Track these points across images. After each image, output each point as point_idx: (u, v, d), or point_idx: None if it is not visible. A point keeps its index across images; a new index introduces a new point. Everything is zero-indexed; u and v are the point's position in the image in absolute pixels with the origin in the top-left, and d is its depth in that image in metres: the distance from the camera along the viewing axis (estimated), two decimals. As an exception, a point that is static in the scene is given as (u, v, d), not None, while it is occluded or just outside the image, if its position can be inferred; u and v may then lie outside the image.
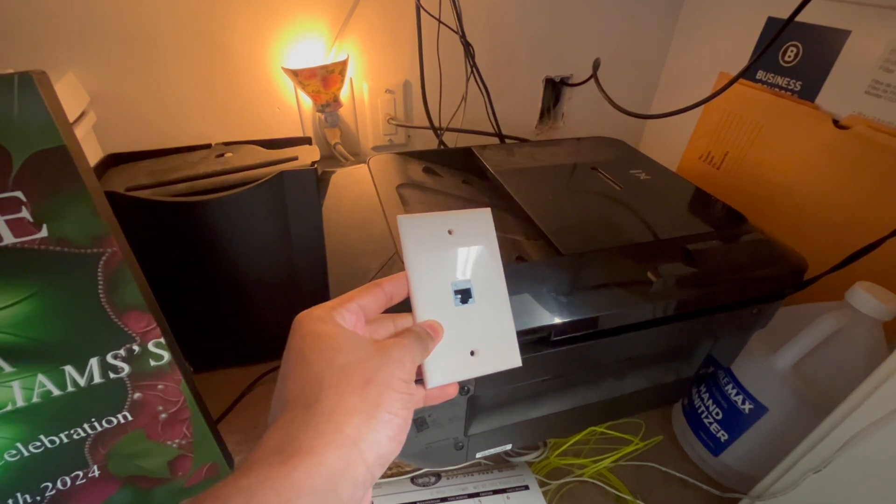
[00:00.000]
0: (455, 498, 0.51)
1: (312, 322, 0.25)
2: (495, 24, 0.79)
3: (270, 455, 0.21)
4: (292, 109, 0.77)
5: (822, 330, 0.45)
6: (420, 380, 0.28)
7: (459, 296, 0.29)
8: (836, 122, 0.59)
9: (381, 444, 0.23)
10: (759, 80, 0.71)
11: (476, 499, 0.51)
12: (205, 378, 0.64)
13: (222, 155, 0.59)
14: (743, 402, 0.50)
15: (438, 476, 0.54)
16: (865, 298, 0.44)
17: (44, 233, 0.30)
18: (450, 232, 0.29)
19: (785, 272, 0.45)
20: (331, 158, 0.80)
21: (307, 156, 0.58)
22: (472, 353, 0.29)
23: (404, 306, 0.29)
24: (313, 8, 0.69)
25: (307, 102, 0.77)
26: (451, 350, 0.28)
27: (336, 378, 0.23)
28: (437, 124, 0.80)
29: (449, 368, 0.28)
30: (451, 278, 0.29)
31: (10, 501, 0.39)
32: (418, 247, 0.28)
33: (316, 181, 0.54)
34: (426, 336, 0.27)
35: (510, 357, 0.30)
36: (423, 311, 0.28)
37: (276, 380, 0.25)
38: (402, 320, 0.29)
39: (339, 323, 0.26)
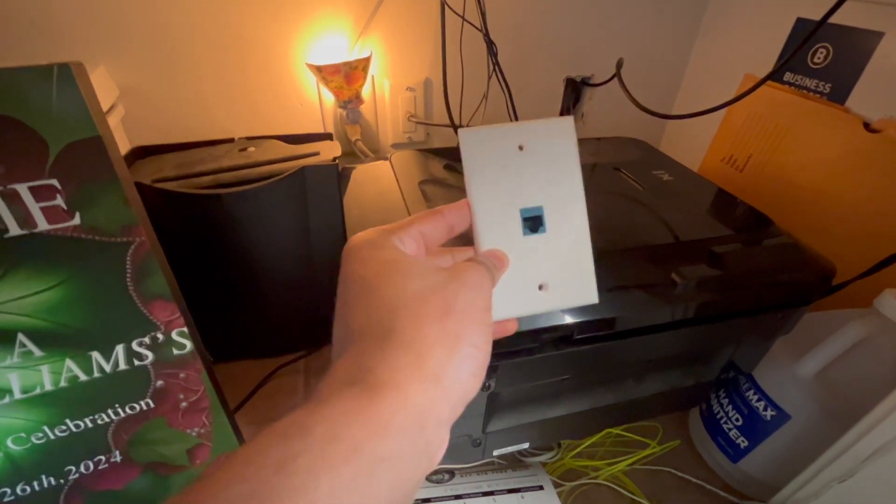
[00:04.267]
0: (469, 496, 0.51)
1: (372, 248, 0.23)
2: (519, 23, 0.79)
3: (346, 386, 0.19)
4: (314, 105, 0.78)
5: (848, 337, 0.44)
6: None
7: (528, 223, 0.26)
8: (867, 126, 0.58)
9: (464, 381, 0.21)
10: (787, 82, 0.70)
11: (490, 497, 0.51)
12: (223, 369, 0.65)
13: (245, 149, 0.60)
14: (764, 409, 0.50)
15: (452, 473, 0.54)
16: (895, 306, 0.43)
17: (77, 220, 0.31)
18: (520, 147, 0.26)
19: (812, 277, 0.44)
20: (351, 155, 0.80)
21: (328, 151, 0.58)
22: (540, 288, 0.26)
23: (465, 240, 0.27)
24: (338, 4, 0.70)
25: (329, 99, 0.77)
26: (516, 282, 0.26)
27: (411, 306, 0.21)
28: (457, 122, 0.80)
29: (514, 302, 0.26)
30: (519, 203, 0.26)
31: (35, 483, 0.40)
32: (482, 166, 0.25)
33: (337, 176, 0.54)
34: (491, 266, 0.25)
35: (585, 293, 0.27)
36: (487, 240, 0.25)
37: (335, 315, 0.23)
38: (461, 254, 0.26)
39: (401, 249, 0.24)
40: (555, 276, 0.26)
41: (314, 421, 0.17)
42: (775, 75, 0.70)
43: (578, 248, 0.26)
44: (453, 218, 0.26)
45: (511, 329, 0.28)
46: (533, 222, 0.26)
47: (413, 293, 0.21)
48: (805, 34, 0.50)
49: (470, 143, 0.25)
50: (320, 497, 0.16)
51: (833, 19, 0.48)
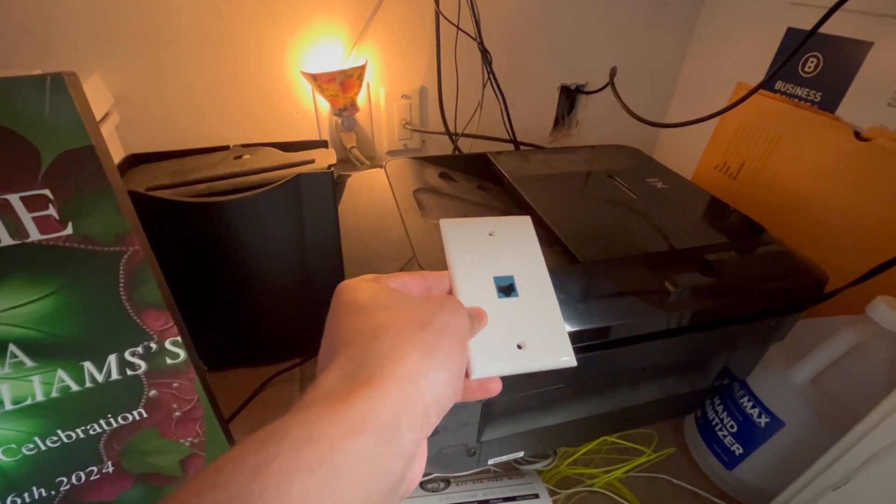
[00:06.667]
0: (465, 505, 0.51)
1: (363, 282, 0.26)
2: (513, 32, 0.79)
3: (329, 394, 0.20)
4: (310, 113, 0.78)
5: (841, 344, 0.45)
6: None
7: (502, 289, 0.29)
8: (857, 134, 0.59)
9: (439, 386, 0.22)
10: (778, 91, 0.70)
11: (486, 506, 0.51)
12: (217, 377, 0.65)
13: (240, 157, 0.60)
14: (759, 416, 0.50)
15: (448, 482, 0.54)
16: (887, 313, 0.43)
17: (69, 230, 0.31)
18: (490, 234, 0.31)
19: (805, 285, 0.44)
20: (346, 162, 0.80)
21: (324, 159, 0.58)
22: (519, 347, 0.27)
23: None
24: (333, 13, 0.70)
25: (324, 106, 0.77)
26: (496, 341, 0.27)
27: (395, 321, 0.23)
28: (452, 130, 0.80)
29: (495, 360, 0.27)
30: (492, 272, 0.29)
31: (26, 494, 0.40)
32: (460, 245, 0.29)
33: (332, 184, 0.54)
34: (470, 314, 0.26)
35: (562, 355, 0.28)
36: (465, 301, 0.27)
37: (323, 337, 0.25)
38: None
39: (388, 286, 0.26)
40: (532, 337, 0.28)
41: (292, 425, 0.18)
42: (767, 84, 0.71)
43: (551, 315, 0.29)
44: (434, 281, 0.29)
45: (495, 390, 0.28)
46: (506, 289, 0.29)
47: (398, 313, 0.24)
48: (796, 44, 0.51)
49: (449, 229, 0.30)
50: (293, 499, 0.16)
51: (823, 29, 0.49)
